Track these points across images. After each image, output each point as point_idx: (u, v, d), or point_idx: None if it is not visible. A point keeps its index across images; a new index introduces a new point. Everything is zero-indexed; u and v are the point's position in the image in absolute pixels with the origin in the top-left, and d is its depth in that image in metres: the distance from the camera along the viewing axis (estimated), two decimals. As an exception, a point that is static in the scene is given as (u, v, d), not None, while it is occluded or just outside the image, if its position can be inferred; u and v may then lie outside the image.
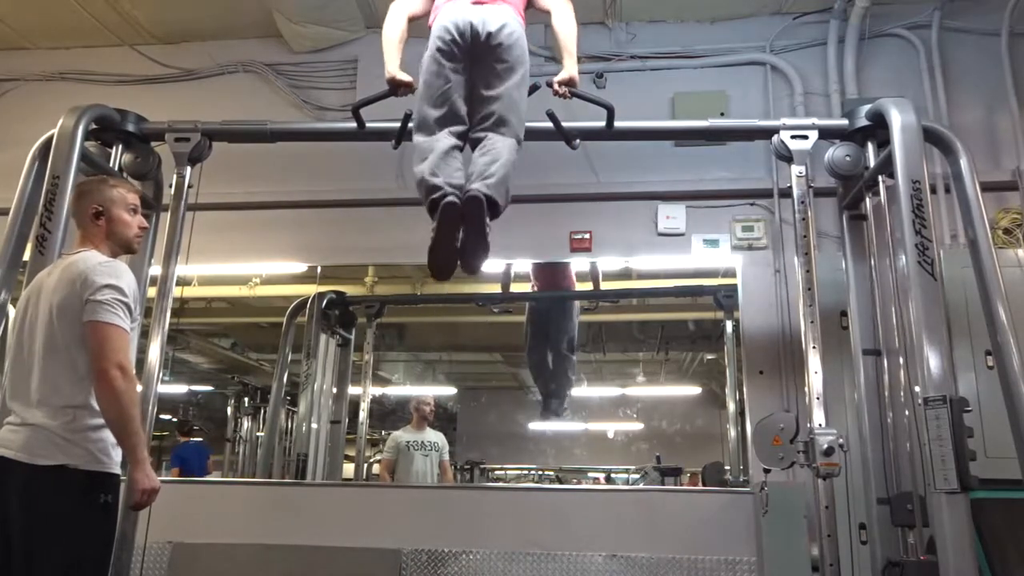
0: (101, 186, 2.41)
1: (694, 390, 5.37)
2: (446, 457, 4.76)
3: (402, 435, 4.72)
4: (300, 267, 4.45)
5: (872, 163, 3.26)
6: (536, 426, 5.45)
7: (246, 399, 6.30)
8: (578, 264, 4.18)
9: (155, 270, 3.35)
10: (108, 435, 2.15)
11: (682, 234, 3.99)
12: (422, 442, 4.69)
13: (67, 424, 2.11)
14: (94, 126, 3.31)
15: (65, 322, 2.17)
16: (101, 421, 2.14)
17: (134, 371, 2.14)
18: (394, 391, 5.72)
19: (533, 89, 3.14)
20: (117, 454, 2.18)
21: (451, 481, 4.85)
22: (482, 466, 5.47)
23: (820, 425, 2.85)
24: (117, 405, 2.09)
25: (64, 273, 2.23)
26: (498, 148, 2.73)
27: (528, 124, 3.34)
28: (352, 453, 4.91)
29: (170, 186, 3.39)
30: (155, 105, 3.81)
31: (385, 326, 5.04)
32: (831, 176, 3.49)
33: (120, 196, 2.40)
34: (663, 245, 4.00)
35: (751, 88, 4.19)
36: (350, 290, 4.87)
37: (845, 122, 3.34)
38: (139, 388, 2.21)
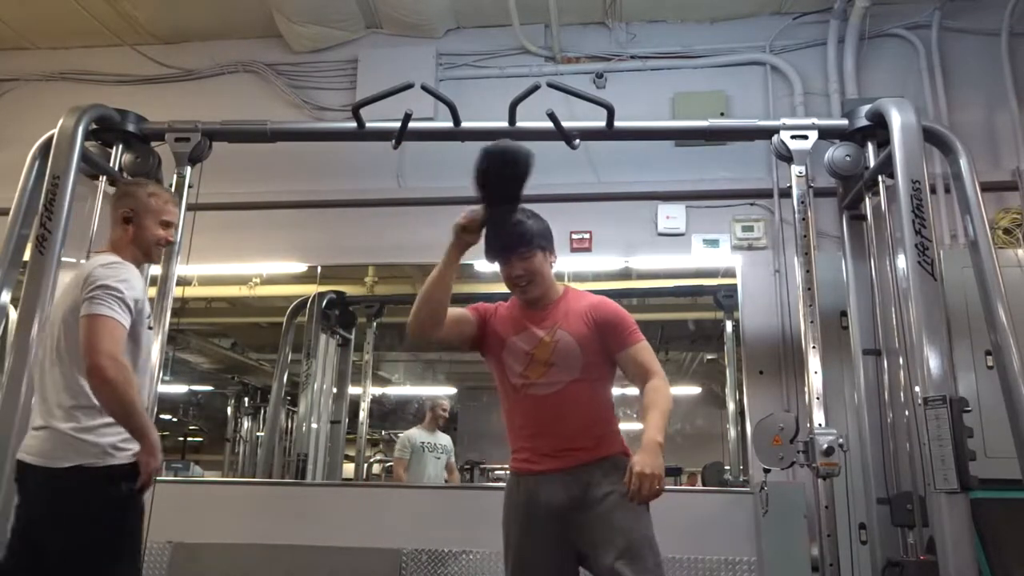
0: (140, 192, 2.38)
1: (694, 390, 5.36)
2: (452, 459, 4.76)
3: (416, 435, 4.69)
4: (300, 267, 4.45)
5: (872, 163, 3.26)
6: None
7: (246, 399, 6.30)
8: (578, 264, 4.17)
9: (155, 270, 3.35)
10: (121, 429, 2.13)
11: (682, 234, 3.99)
12: (435, 444, 4.67)
13: (78, 424, 2.11)
14: (94, 126, 3.31)
15: (71, 325, 2.17)
16: (111, 419, 2.12)
17: (124, 359, 2.09)
18: (394, 391, 5.72)
19: (533, 89, 3.14)
20: (133, 444, 2.15)
21: (457, 483, 4.83)
22: (482, 466, 5.47)
23: (820, 425, 2.85)
24: (112, 394, 2.06)
25: (75, 278, 2.24)
26: None
27: (528, 124, 3.36)
28: (352, 453, 4.91)
29: (170, 186, 3.39)
30: (155, 105, 3.82)
31: (385, 326, 5.04)
32: (831, 176, 3.50)
33: (156, 207, 2.37)
34: (663, 245, 4.00)
35: (751, 88, 4.19)
36: (350, 290, 4.87)
37: (845, 122, 3.35)
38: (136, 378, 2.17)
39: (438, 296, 2.17)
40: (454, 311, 2.24)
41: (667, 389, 2.17)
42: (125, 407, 2.08)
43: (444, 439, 4.75)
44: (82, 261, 3.26)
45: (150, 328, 2.29)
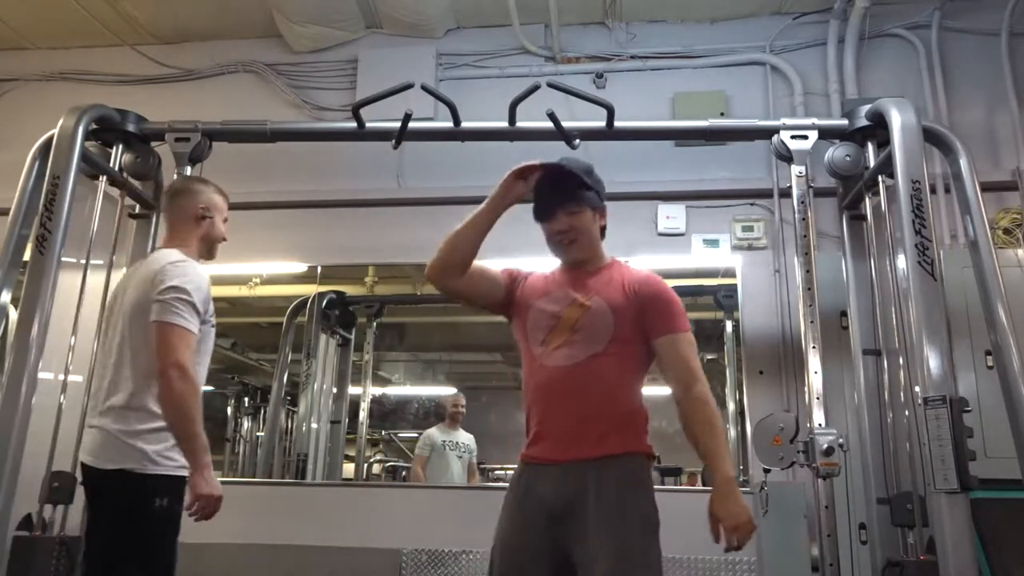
0: (208, 189, 2.45)
1: (694, 390, 5.38)
2: (474, 460, 4.71)
3: (437, 434, 4.66)
4: (300, 267, 4.45)
5: (872, 163, 3.26)
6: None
7: (246, 399, 6.30)
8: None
9: (155, 270, 3.35)
10: (169, 436, 2.13)
11: (682, 234, 3.99)
12: (456, 442, 4.64)
13: (127, 426, 2.11)
14: (94, 126, 3.30)
15: (136, 323, 2.18)
16: (161, 423, 2.12)
17: (194, 371, 2.11)
18: (394, 391, 5.72)
19: (533, 89, 3.14)
20: (179, 455, 2.15)
21: (477, 483, 4.80)
22: (482, 466, 5.47)
23: (820, 425, 2.85)
24: (174, 405, 2.06)
25: (140, 273, 2.25)
26: None
27: (528, 124, 3.36)
28: (352, 453, 4.91)
29: (170, 186, 3.39)
30: (155, 105, 3.82)
31: (385, 326, 5.04)
32: (831, 176, 3.49)
33: (224, 205, 2.48)
34: (663, 245, 4.00)
35: (751, 88, 4.19)
36: (350, 290, 4.86)
37: (845, 122, 3.34)
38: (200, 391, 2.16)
39: (463, 241, 2.01)
40: (482, 265, 2.08)
41: (713, 399, 1.93)
42: (184, 421, 2.07)
43: (466, 437, 4.69)
44: (79, 261, 3.27)
45: (213, 327, 2.29)
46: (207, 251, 2.43)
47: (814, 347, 2.98)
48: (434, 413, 4.98)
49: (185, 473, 2.14)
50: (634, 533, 1.80)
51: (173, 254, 2.27)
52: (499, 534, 2.01)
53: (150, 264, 2.25)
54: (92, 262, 3.29)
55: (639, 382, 2.01)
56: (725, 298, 4.18)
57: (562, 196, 2.03)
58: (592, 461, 1.87)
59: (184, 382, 2.05)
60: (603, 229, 2.14)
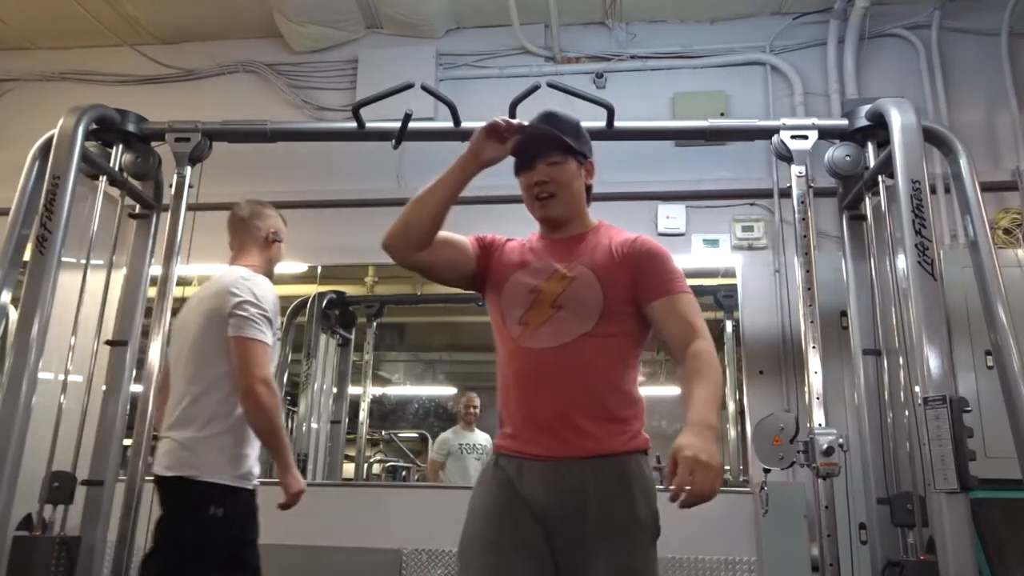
0: (276, 214, 2.59)
1: (694, 390, 5.37)
2: None
3: (453, 437, 4.62)
4: (300, 267, 4.45)
5: (872, 163, 3.26)
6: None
7: (246, 399, 6.30)
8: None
9: (155, 270, 3.35)
10: (230, 445, 2.19)
11: (682, 234, 3.99)
12: (474, 445, 4.60)
13: (190, 435, 2.17)
14: (94, 126, 3.30)
15: (206, 334, 2.24)
16: (222, 430, 2.18)
17: (275, 384, 2.22)
18: (394, 391, 5.72)
19: (533, 89, 3.14)
20: (239, 466, 2.20)
21: None
22: (483, 465, 5.47)
23: (820, 425, 2.85)
24: (265, 418, 2.17)
25: (210, 287, 2.33)
26: None
27: (528, 124, 3.35)
28: (352, 453, 4.91)
29: (170, 186, 3.39)
30: (155, 105, 3.82)
31: (385, 326, 5.04)
32: (831, 176, 3.49)
33: (284, 230, 2.61)
34: (663, 245, 3.99)
35: (751, 88, 4.19)
36: (350, 290, 4.87)
37: (845, 122, 3.34)
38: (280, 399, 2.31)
39: (423, 211, 1.75)
40: (449, 235, 1.81)
41: (716, 358, 1.61)
42: (273, 431, 2.20)
43: (483, 438, 4.64)
44: (79, 261, 3.27)
45: (278, 340, 2.37)
46: (271, 270, 2.56)
47: (814, 347, 2.98)
48: (434, 413, 4.97)
49: (246, 485, 2.21)
50: (636, 545, 1.59)
51: (243, 270, 2.37)
52: (473, 524, 1.68)
53: (220, 279, 2.33)
54: (92, 262, 3.29)
55: (635, 366, 1.75)
56: (725, 298, 4.18)
57: (543, 146, 1.79)
58: (587, 460, 1.61)
59: (272, 397, 2.18)
60: (589, 189, 1.89)
